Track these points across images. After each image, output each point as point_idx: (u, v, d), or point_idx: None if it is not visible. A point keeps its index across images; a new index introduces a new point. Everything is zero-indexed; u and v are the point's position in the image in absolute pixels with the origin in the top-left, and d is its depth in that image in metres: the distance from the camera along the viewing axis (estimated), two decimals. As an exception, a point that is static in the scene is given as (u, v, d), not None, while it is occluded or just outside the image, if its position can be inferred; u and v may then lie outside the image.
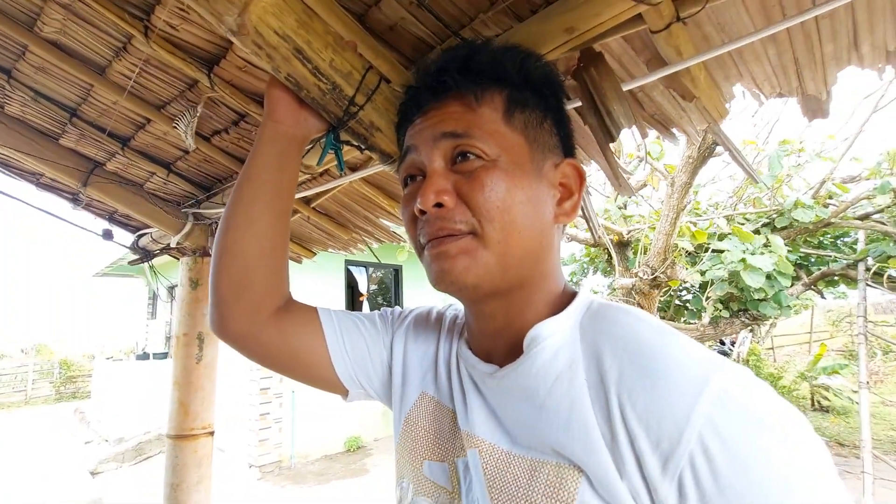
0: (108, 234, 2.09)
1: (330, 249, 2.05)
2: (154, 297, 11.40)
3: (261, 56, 0.70)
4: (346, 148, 0.87)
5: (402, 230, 1.83)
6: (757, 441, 0.38)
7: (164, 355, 8.98)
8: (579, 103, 0.73)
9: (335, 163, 0.88)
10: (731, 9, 0.70)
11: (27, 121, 1.57)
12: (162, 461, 6.40)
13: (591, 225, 1.30)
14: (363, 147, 0.84)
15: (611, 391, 0.44)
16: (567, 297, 0.57)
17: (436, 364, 0.66)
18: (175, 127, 1.25)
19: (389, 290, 8.47)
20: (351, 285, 7.58)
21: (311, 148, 0.91)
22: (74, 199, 2.00)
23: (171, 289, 9.51)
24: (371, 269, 7.97)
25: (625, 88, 0.74)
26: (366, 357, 0.69)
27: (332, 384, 0.69)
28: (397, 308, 0.77)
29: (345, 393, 0.71)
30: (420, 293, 8.38)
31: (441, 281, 0.53)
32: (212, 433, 1.76)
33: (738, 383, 0.41)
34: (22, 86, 1.38)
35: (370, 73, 0.77)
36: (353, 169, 1.24)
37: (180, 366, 1.73)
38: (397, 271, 8.33)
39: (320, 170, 1.34)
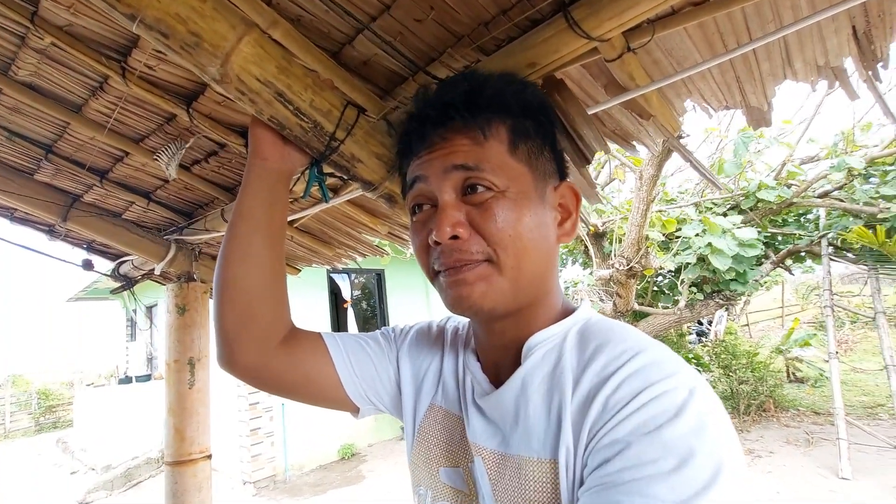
0: (88, 265, 2.07)
1: (314, 265, 2.08)
2: (132, 319, 11.14)
3: (244, 101, 0.74)
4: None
5: (385, 244, 1.87)
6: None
7: (147, 377, 8.76)
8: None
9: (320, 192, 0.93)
10: (675, 37, 0.78)
11: (0, 159, 1.55)
12: (153, 485, 6.26)
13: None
14: (346, 178, 0.88)
15: (596, 401, 0.49)
16: (566, 312, 0.62)
17: (441, 375, 0.71)
18: (156, 160, 1.27)
19: (373, 295, 8.46)
20: (334, 292, 7.55)
21: (298, 178, 0.95)
22: (51, 231, 1.98)
23: (150, 309, 9.23)
24: (353, 276, 7.95)
25: (588, 112, 0.80)
26: (374, 375, 0.73)
27: (343, 404, 0.73)
28: (397, 326, 0.81)
29: (356, 410, 0.75)
30: (403, 297, 8.39)
31: (458, 306, 0.56)
32: (209, 456, 1.77)
33: (704, 401, 0.45)
34: (-5, 127, 1.37)
35: (349, 109, 0.81)
36: (335, 191, 1.28)
37: (173, 392, 1.73)
38: (380, 276, 8.32)
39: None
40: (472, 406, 0.64)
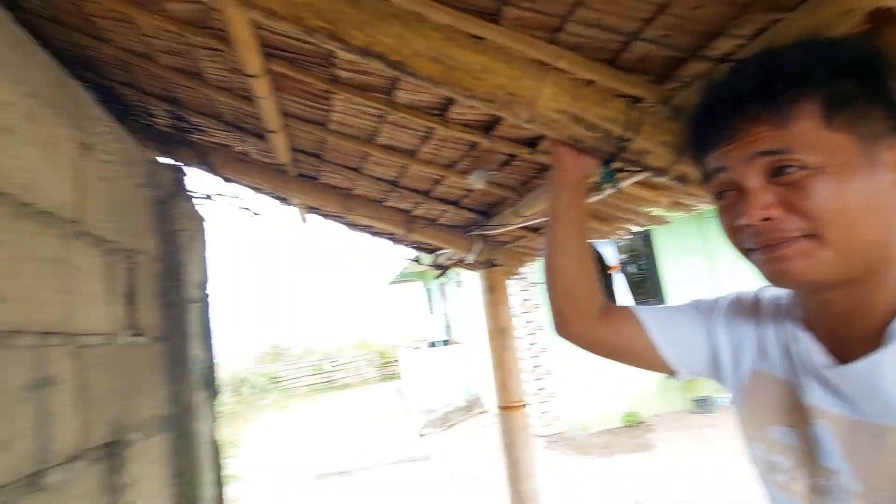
0: (417, 260, 2.80)
1: (591, 239, 2.23)
2: (430, 296, 13.94)
3: (547, 129, 0.92)
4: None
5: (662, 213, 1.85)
6: None
7: (446, 342, 10.98)
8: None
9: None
10: None
11: (367, 196, 2.26)
12: (463, 427, 7.76)
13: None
14: (637, 169, 0.98)
15: None
16: None
17: (762, 343, 0.72)
18: (468, 181, 1.64)
19: (640, 256, 7.98)
20: (599, 259, 7.49)
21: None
22: (392, 239, 2.75)
23: (443, 286, 11.37)
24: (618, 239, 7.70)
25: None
26: (686, 342, 0.81)
27: (661, 367, 0.84)
28: (709, 298, 0.84)
29: (673, 373, 0.84)
30: (678, 259, 7.60)
31: (780, 280, 0.58)
32: (524, 405, 2.18)
33: None
34: (366, 176, 2.02)
35: (633, 110, 0.90)
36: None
37: (495, 355, 2.21)
38: (647, 237, 7.75)
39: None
40: (807, 375, 0.63)
